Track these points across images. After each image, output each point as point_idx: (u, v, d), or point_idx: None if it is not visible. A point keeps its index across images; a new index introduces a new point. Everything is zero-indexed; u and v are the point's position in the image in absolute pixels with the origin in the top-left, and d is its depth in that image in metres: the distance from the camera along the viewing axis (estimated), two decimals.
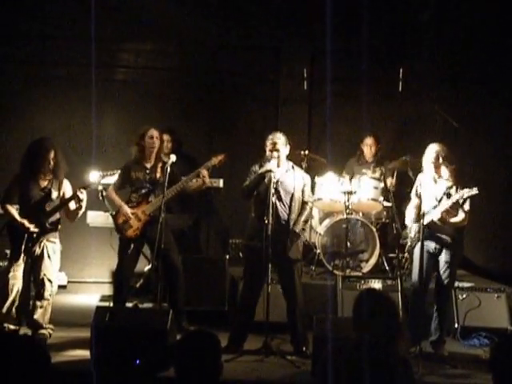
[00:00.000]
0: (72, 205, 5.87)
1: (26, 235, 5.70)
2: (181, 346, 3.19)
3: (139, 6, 8.05)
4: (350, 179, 7.30)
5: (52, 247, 5.82)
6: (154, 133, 6.28)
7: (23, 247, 5.70)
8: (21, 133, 7.75)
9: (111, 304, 6.36)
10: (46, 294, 5.78)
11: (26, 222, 5.70)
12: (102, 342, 5.15)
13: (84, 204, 5.82)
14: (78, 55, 7.97)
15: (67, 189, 5.93)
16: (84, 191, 5.75)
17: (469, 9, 8.10)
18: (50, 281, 5.80)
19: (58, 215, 5.88)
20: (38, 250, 5.76)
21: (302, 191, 5.88)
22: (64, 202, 5.85)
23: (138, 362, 5.08)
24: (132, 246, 6.16)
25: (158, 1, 8.11)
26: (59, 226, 5.90)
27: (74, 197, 5.77)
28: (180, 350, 3.14)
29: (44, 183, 5.84)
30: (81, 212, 5.91)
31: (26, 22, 7.89)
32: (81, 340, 5.71)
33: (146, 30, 8.13)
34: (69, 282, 7.89)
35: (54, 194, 5.83)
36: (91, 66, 7.86)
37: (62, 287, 7.79)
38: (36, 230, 5.71)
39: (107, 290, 7.73)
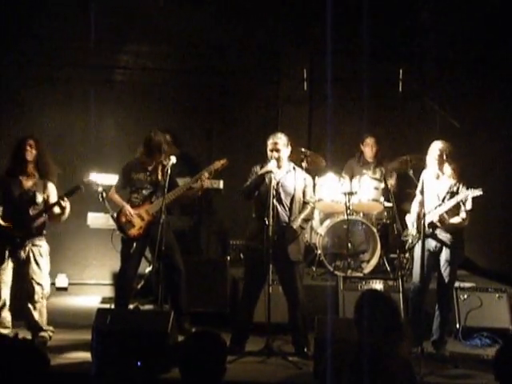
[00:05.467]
0: (56, 209, 5.72)
1: (10, 239, 5.59)
2: (187, 345, 3.20)
3: (138, 7, 8.05)
4: (350, 179, 7.30)
5: (38, 251, 5.69)
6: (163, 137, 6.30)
7: (7, 252, 5.60)
8: (21, 134, 7.72)
9: (112, 306, 6.36)
10: (37, 298, 5.69)
11: (10, 226, 5.60)
12: (103, 344, 5.14)
13: (67, 211, 5.71)
14: (78, 56, 7.96)
15: (52, 192, 5.78)
16: (67, 199, 5.63)
17: (469, 8, 8.09)
18: (38, 284, 5.69)
19: (43, 219, 5.72)
20: (23, 255, 5.63)
21: (303, 192, 5.87)
22: (48, 207, 5.69)
23: (139, 363, 5.06)
24: (135, 245, 6.13)
25: (157, 2, 8.10)
26: (44, 231, 5.76)
27: (57, 204, 5.65)
28: (187, 350, 3.15)
29: (27, 184, 5.70)
30: (64, 218, 5.78)
31: (25, 24, 7.88)
32: (82, 342, 5.70)
33: (145, 31, 8.12)
34: (69, 283, 7.90)
35: (39, 198, 5.68)
36: (90, 68, 7.88)
37: (62, 289, 7.83)
38: (20, 234, 5.60)
39: (108, 291, 7.73)
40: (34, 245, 5.67)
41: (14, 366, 2.85)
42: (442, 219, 5.72)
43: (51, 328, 5.85)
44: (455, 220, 5.76)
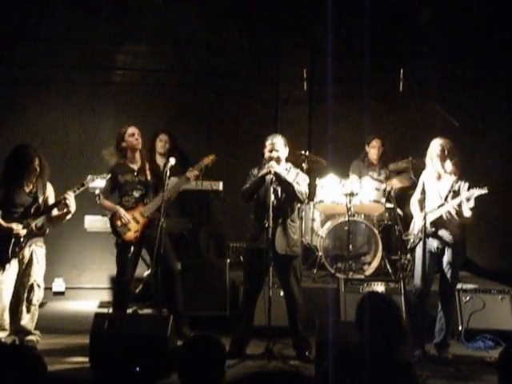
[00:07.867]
0: (54, 211, 5.74)
1: (12, 240, 5.57)
2: (186, 350, 3.18)
3: (136, 8, 8.03)
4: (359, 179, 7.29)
5: (40, 252, 5.73)
6: (135, 130, 6.19)
7: (9, 252, 5.57)
8: (18, 136, 7.67)
9: (110, 310, 6.30)
10: (34, 300, 5.70)
11: (14, 226, 5.58)
12: (101, 349, 5.09)
13: (72, 209, 5.68)
14: (75, 57, 7.93)
15: (50, 193, 5.81)
16: (72, 194, 5.61)
17: (469, 8, 8.07)
18: (38, 286, 5.72)
19: (42, 219, 5.73)
20: (27, 255, 5.66)
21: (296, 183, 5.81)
22: (49, 207, 5.71)
23: (137, 369, 5.00)
24: (131, 249, 6.06)
25: (155, 2, 8.06)
26: (47, 230, 5.78)
27: (61, 201, 5.63)
28: (185, 355, 3.13)
29: (30, 187, 5.71)
30: (68, 217, 5.77)
31: (22, 25, 7.85)
32: (79, 347, 5.65)
33: (143, 31, 8.10)
34: (67, 288, 7.86)
35: (41, 198, 5.72)
36: (88, 68, 7.84)
37: (60, 294, 7.77)
38: (24, 232, 5.59)
39: (106, 295, 7.70)
40: (36, 245, 5.71)
41: (10, 373, 2.81)
42: (457, 212, 5.64)
43: (38, 332, 5.81)
44: (468, 213, 5.65)
